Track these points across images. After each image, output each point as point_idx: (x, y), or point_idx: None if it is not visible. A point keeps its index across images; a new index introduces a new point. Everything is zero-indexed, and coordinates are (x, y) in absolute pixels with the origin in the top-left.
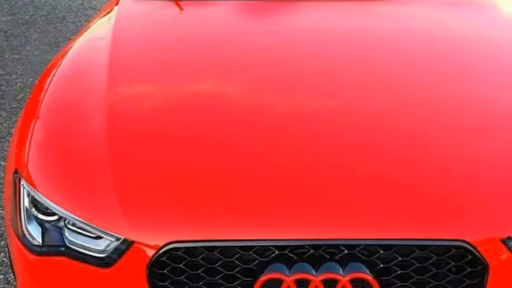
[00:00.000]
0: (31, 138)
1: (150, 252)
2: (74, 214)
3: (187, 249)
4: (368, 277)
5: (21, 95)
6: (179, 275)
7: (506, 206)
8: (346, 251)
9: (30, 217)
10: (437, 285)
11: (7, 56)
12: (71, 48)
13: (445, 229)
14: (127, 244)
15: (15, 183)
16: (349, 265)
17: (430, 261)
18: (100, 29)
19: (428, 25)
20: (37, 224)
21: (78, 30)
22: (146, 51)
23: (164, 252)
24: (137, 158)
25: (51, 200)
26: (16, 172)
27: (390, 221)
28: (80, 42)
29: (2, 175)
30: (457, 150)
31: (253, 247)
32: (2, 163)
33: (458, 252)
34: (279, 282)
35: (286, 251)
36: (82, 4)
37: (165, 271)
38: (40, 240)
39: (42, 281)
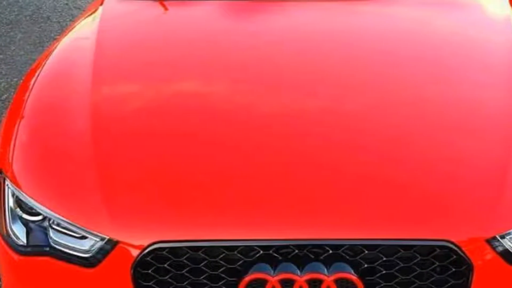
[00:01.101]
0: (15, 138)
1: (135, 252)
2: (59, 214)
3: (172, 249)
4: (353, 277)
5: (5, 95)
6: (163, 275)
7: (491, 206)
8: (330, 251)
9: (14, 217)
10: (422, 285)
11: None
12: (55, 48)
13: (430, 229)
14: (111, 244)
15: None
16: (334, 265)
17: (415, 261)
18: (85, 29)
19: (413, 25)
20: (21, 224)
21: (63, 30)
22: (130, 51)
23: (148, 252)
24: (121, 158)
25: (36, 200)
26: (0, 172)
27: (374, 221)
28: (64, 42)
29: None
30: (441, 150)
31: (237, 247)
32: None
33: (442, 252)
34: (264, 282)
35: (270, 251)
36: (67, 4)
37: (149, 271)
38: (24, 240)
39: (27, 281)
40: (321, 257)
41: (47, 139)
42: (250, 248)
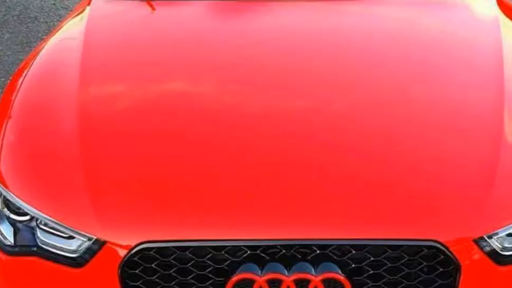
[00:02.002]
0: (3, 138)
1: (122, 252)
2: (46, 214)
3: (159, 249)
4: (340, 277)
5: None
6: (151, 275)
7: (478, 206)
8: (318, 251)
9: (2, 217)
10: (409, 285)
11: None
12: (43, 48)
13: (417, 229)
14: (99, 244)
15: None
16: (321, 265)
17: (402, 261)
18: (72, 29)
19: (400, 25)
20: (9, 224)
21: (50, 30)
22: (118, 51)
23: (136, 252)
24: (109, 158)
25: (23, 200)
26: None
27: (362, 221)
28: (52, 42)
29: None
30: (429, 150)
31: (225, 247)
32: None
33: (430, 252)
34: (251, 282)
35: (258, 251)
36: (54, 4)
37: (137, 271)
38: (12, 240)
39: (14, 281)
40: (309, 257)
41: (34, 139)
42: (238, 248)
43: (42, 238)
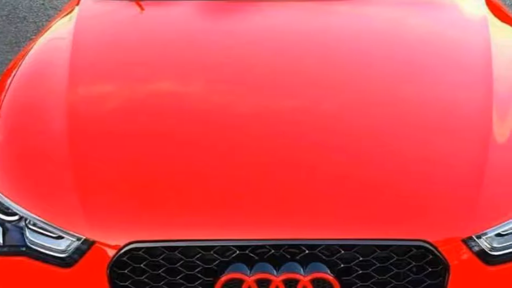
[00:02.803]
0: None
1: (111, 252)
2: (35, 214)
3: (148, 249)
4: (329, 277)
5: None
6: (140, 275)
7: (467, 206)
8: (307, 251)
9: None
10: (398, 285)
11: None
12: (32, 48)
13: (406, 229)
14: (88, 244)
15: None
16: (310, 265)
17: (391, 261)
18: (61, 29)
19: (389, 25)
20: None
21: (39, 30)
22: (107, 51)
23: (125, 252)
24: (98, 158)
25: (12, 200)
26: None
27: (351, 221)
28: (41, 42)
29: None
30: (417, 150)
31: (214, 247)
32: None
33: (418, 252)
34: (240, 282)
35: (247, 251)
36: (43, 4)
37: (126, 271)
38: (0, 240)
39: (3, 281)
40: (298, 257)
41: (23, 139)
42: (226, 248)
43: (31, 238)
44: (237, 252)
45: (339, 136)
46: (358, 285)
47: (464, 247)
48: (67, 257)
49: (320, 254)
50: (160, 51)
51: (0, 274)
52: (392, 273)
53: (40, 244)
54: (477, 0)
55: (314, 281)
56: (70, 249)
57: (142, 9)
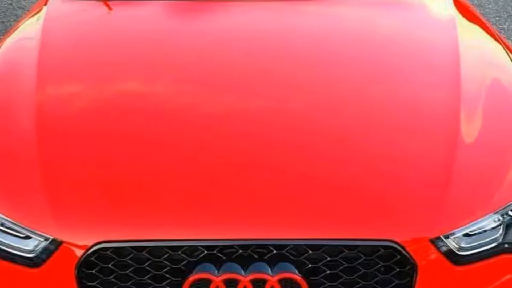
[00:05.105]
0: None
1: (79, 252)
2: (2, 214)
3: (116, 249)
4: (297, 277)
5: None
6: (107, 275)
7: (435, 206)
8: (275, 251)
9: None
10: (366, 285)
11: None
12: None
13: (374, 229)
14: (56, 244)
15: None
16: (278, 265)
17: (359, 261)
18: (29, 29)
19: (358, 25)
20: None
21: (7, 30)
22: (75, 51)
23: (93, 252)
24: (66, 158)
25: None
26: None
27: (318, 221)
28: (9, 42)
29: None
30: (385, 150)
31: (181, 247)
32: None
33: (386, 252)
34: (208, 282)
35: (214, 251)
36: (11, 4)
37: (94, 271)
38: None
39: None
40: (265, 257)
41: None
42: (194, 248)
43: None
44: (205, 252)
45: (307, 136)
46: (326, 285)
47: (432, 247)
48: (35, 257)
49: (288, 254)
50: (128, 51)
51: None
52: (360, 273)
53: (8, 244)
54: (445, 1)
55: (282, 281)
56: (38, 249)
57: (110, 9)
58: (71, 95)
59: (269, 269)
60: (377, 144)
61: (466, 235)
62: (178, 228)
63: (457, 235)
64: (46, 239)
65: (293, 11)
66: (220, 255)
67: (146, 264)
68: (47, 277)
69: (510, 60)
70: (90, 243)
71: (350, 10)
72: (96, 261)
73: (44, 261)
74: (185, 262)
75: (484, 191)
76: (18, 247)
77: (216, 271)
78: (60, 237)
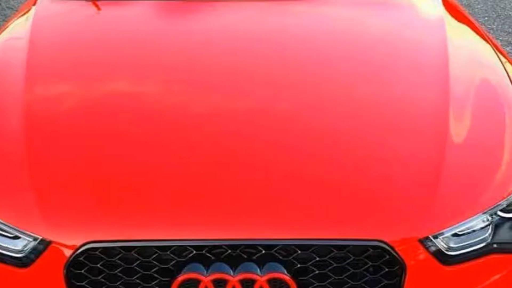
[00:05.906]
0: None
1: (68, 252)
2: None
3: (105, 249)
4: (286, 277)
5: None
6: (96, 275)
7: (424, 206)
8: (263, 251)
9: None
10: (355, 285)
11: None
12: None
13: (363, 229)
14: (44, 244)
15: None
16: (267, 265)
17: (348, 261)
18: (18, 29)
19: (346, 25)
20: None
21: None
22: (63, 51)
23: (81, 252)
24: (54, 158)
25: None
26: None
27: (307, 221)
28: None
29: None
30: (374, 150)
31: (170, 247)
32: None
33: (375, 252)
34: (197, 282)
35: (203, 251)
36: None
37: (82, 271)
38: None
39: None
40: (254, 257)
41: None
42: (183, 248)
43: None
44: (194, 252)
45: (296, 136)
46: (315, 285)
47: (420, 247)
48: (23, 257)
49: (276, 254)
50: (116, 51)
51: None
52: (348, 273)
53: None
54: (434, 1)
55: (270, 281)
56: (26, 249)
57: (99, 9)
58: (60, 95)
59: (258, 269)
60: (366, 144)
61: (455, 235)
62: (167, 228)
63: (446, 235)
64: (35, 239)
65: (281, 11)
66: (209, 255)
67: (135, 264)
68: (36, 277)
69: (499, 61)
70: (78, 243)
71: (338, 10)
72: (85, 261)
73: (33, 261)
74: (173, 262)
75: (473, 191)
76: (6, 247)
77: (205, 271)
78: (48, 237)
